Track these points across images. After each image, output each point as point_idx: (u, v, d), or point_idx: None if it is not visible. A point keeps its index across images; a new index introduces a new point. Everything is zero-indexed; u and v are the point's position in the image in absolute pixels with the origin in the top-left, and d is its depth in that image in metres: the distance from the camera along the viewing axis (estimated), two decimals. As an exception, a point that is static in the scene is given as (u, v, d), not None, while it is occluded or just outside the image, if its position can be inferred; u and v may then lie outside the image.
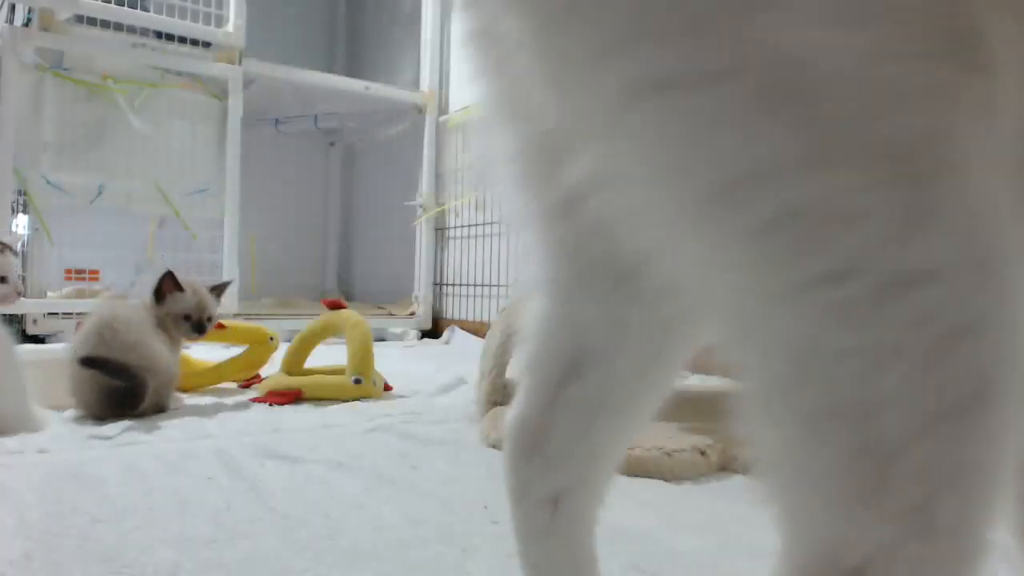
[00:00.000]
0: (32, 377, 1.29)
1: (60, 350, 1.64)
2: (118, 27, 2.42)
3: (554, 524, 0.43)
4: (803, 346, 0.25)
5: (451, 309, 3.09)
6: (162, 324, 1.39)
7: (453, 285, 3.06)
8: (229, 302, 2.57)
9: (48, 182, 2.28)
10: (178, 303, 1.41)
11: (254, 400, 1.49)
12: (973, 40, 0.24)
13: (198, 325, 1.42)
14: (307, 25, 4.04)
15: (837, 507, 0.25)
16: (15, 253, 1.33)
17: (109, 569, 0.64)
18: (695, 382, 1.58)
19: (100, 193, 2.37)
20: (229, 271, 2.58)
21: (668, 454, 0.98)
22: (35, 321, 2.28)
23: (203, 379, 1.64)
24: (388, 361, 1.91)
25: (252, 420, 1.30)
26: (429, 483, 0.94)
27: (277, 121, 3.46)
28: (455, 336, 2.86)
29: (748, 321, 0.26)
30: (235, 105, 2.60)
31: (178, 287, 1.41)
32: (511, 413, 0.44)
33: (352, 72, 3.53)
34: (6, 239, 1.35)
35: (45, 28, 2.28)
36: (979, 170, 0.24)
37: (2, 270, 1.28)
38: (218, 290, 1.50)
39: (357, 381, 1.54)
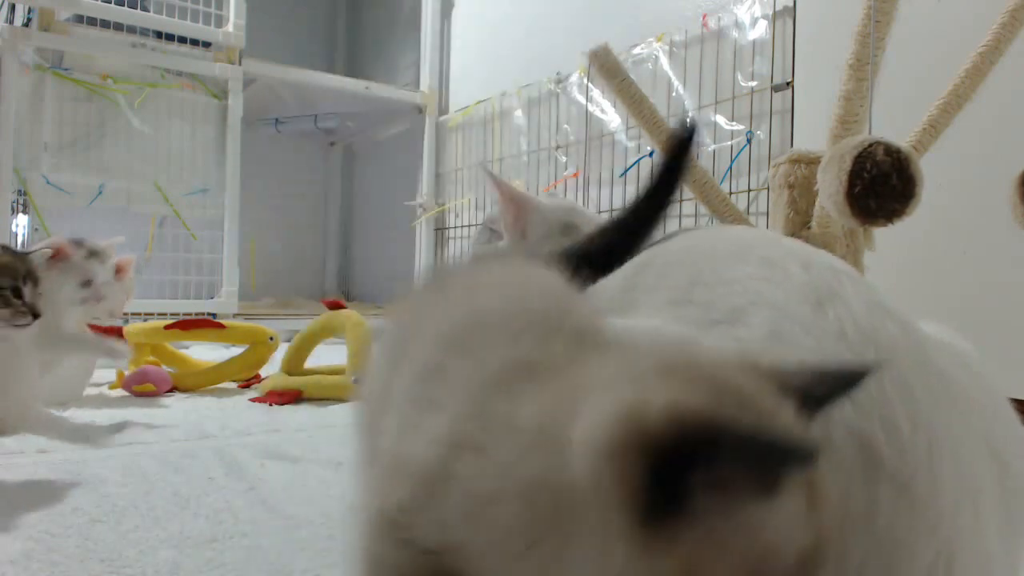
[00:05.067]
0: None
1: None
2: (118, 27, 2.42)
3: None
4: None
5: (451, 309, 3.08)
6: None
7: (453, 285, 3.05)
8: (229, 302, 2.57)
9: (48, 182, 2.28)
10: None
11: (254, 400, 1.49)
12: None
13: None
14: (307, 25, 4.04)
15: None
16: (102, 260, 1.39)
17: (109, 569, 0.64)
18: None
19: (100, 193, 2.37)
20: (229, 271, 2.58)
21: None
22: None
23: (203, 379, 1.64)
24: (388, 361, 1.90)
25: (252, 420, 1.30)
26: (429, 483, 0.94)
27: (277, 121, 3.46)
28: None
29: None
30: (235, 105, 2.60)
31: None
32: None
33: (352, 72, 3.53)
34: (100, 245, 1.41)
35: (45, 28, 2.28)
36: None
37: (87, 274, 1.35)
38: None
39: (357, 381, 1.54)
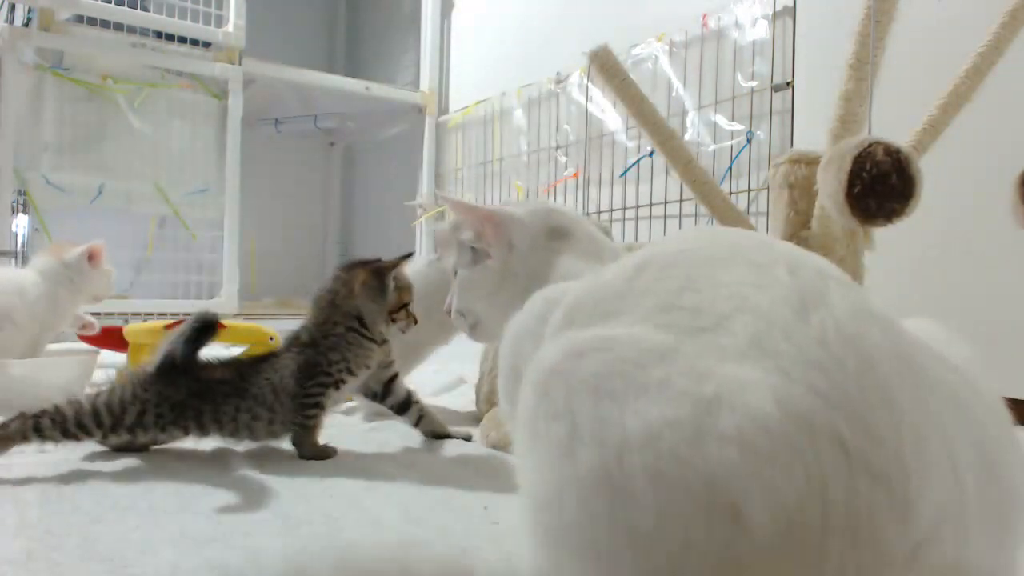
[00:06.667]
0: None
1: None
2: (118, 27, 2.42)
3: None
4: None
5: (451, 309, 3.08)
6: None
7: (453, 285, 3.05)
8: (229, 302, 2.57)
9: (48, 182, 2.28)
10: None
11: (254, 400, 1.49)
12: None
13: None
14: (307, 25, 4.04)
15: None
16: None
17: (109, 568, 0.64)
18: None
19: (100, 193, 2.37)
20: (229, 271, 2.58)
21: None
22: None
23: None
24: (388, 361, 1.90)
25: (252, 420, 1.30)
26: (429, 483, 0.94)
27: (277, 121, 3.46)
28: (455, 336, 2.86)
29: None
30: (235, 105, 2.60)
31: None
32: None
33: (352, 72, 3.53)
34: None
35: (45, 28, 2.28)
36: None
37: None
38: None
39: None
